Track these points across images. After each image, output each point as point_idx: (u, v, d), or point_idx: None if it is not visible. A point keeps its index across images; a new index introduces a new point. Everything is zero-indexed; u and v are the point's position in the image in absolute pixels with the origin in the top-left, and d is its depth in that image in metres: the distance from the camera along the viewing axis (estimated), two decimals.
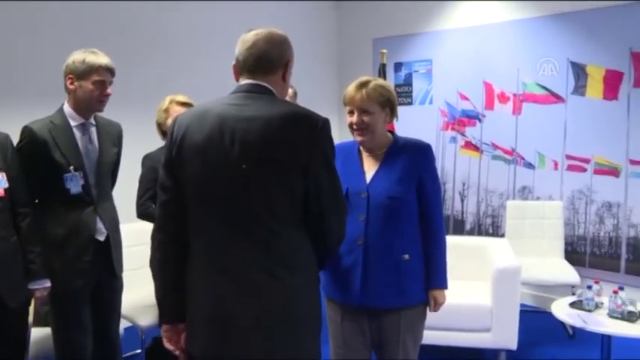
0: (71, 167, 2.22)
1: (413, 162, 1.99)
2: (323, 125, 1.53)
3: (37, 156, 2.19)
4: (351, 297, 2.00)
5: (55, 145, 2.20)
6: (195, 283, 1.57)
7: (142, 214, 2.69)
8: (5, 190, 2.05)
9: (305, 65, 5.25)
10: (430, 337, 3.10)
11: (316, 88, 5.37)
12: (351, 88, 1.98)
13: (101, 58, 2.24)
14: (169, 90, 2.90)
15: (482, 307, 3.10)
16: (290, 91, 2.99)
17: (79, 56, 2.22)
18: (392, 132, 2.09)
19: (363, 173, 2.02)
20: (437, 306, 2.04)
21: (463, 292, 3.27)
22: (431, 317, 2.96)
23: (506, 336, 3.07)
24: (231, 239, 1.51)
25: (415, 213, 2.00)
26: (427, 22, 4.93)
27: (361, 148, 2.07)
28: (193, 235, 1.57)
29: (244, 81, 1.59)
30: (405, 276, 1.97)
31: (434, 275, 2.01)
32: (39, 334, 2.61)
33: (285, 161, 1.50)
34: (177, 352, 1.66)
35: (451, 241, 3.72)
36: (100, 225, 2.31)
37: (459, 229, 4.82)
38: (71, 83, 2.23)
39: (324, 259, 1.70)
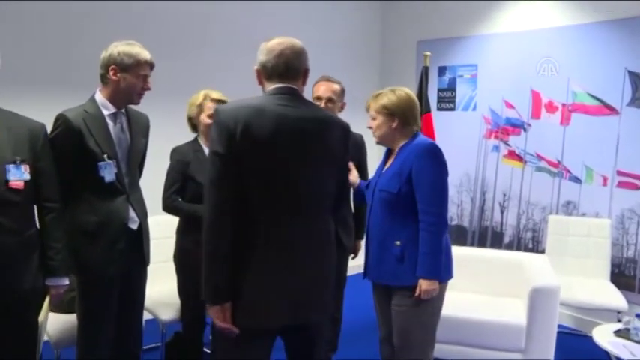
0: (105, 155, 2.21)
1: (407, 160, 2.24)
2: (349, 127, 1.97)
3: (72, 144, 2.18)
4: None
5: (89, 134, 2.19)
6: (261, 263, 1.76)
7: (169, 207, 2.66)
8: (25, 182, 1.99)
9: (347, 65, 5.19)
10: (458, 352, 2.98)
11: (357, 89, 5.25)
12: (369, 97, 2.39)
13: (146, 53, 2.27)
14: (198, 85, 2.86)
15: (515, 326, 2.93)
16: (337, 87, 2.92)
17: (124, 48, 2.23)
18: (415, 134, 2.35)
19: (382, 169, 2.40)
20: (423, 293, 2.20)
21: (496, 309, 3.11)
22: (461, 332, 2.86)
23: (541, 358, 2.89)
24: (292, 221, 1.79)
25: (410, 205, 2.23)
26: (474, 26, 4.76)
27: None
28: (258, 219, 1.76)
29: (277, 85, 1.81)
30: (395, 259, 2.26)
31: (417, 264, 2.22)
32: (61, 320, 2.60)
33: (334, 157, 1.88)
34: (231, 328, 1.77)
35: (487, 254, 3.65)
36: (132, 214, 2.32)
37: (497, 241, 4.63)
38: (114, 74, 2.23)
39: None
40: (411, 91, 2.39)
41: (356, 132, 3.12)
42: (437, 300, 2.30)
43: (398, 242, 2.25)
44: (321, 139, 1.82)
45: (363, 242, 2.98)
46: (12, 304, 1.97)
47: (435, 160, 2.24)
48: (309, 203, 1.82)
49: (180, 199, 2.66)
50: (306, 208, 1.82)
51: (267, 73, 1.82)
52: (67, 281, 2.16)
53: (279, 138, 1.73)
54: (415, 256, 2.22)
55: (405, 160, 2.26)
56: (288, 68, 1.81)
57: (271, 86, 1.82)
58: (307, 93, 2.83)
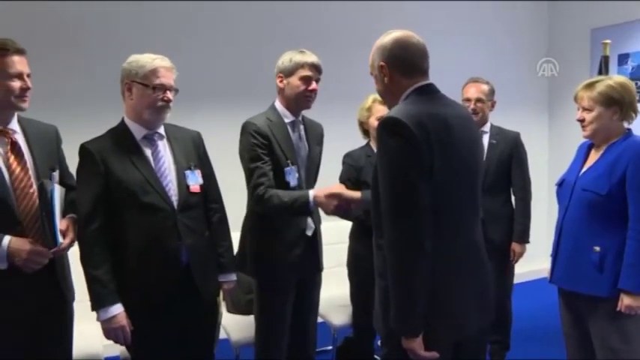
0: (288, 161, 2.27)
1: (621, 160, 2.04)
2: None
3: (264, 149, 2.24)
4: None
5: (275, 140, 2.26)
6: (452, 272, 1.63)
7: None
8: (200, 186, 2.11)
9: (511, 59, 4.84)
10: None
11: (522, 85, 4.92)
12: (579, 87, 2.17)
13: (307, 56, 2.29)
14: (368, 89, 2.84)
15: None
16: (486, 87, 2.98)
17: (287, 56, 2.30)
18: (629, 132, 2.16)
19: (580, 167, 2.20)
20: (625, 308, 2.00)
21: None
22: None
23: None
24: (473, 223, 1.73)
25: (618, 210, 2.03)
26: None
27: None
28: (447, 226, 1.62)
29: (421, 83, 1.70)
30: (592, 266, 2.06)
31: (621, 275, 2.01)
32: (240, 321, 2.74)
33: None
34: (434, 355, 1.58)
35: None
36: (309, 220, 2.36)
37: None
38: (280, 81, 2.31)
39: None
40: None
41: (511, 130, 3.06)
42: None
43: (597, 248, 2.06)
44: (476, 135, 1.79)
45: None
46: (203, 301, 2.10)
47: None
48: (479, 203, 1.76)
49: None
50: (478, 209, 1.75)
51: (407, 68, 1.68)
52: (235, 277, 2.27)
53: (453, 140, 1.61)
54: (618, 265, 2.02)
55: (617, 159, 2.06)
56: (428, 62, 1.72)
57: (414, 84, 1.68)
58: None
